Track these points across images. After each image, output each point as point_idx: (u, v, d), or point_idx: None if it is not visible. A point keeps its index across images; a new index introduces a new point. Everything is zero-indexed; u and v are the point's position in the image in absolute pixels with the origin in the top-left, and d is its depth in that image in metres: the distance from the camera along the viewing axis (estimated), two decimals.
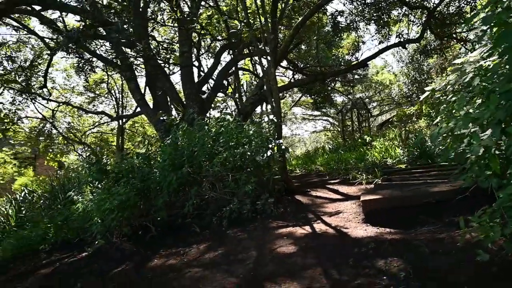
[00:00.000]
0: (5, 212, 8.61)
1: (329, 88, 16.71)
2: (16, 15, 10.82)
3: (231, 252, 3.76)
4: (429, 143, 7.90)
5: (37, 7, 9.74)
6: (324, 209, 5.10)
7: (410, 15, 11.66)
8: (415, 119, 10.52)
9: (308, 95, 19.85)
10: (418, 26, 11.91)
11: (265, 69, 7.59)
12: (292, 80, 16.31)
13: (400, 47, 11.98)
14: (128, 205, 5.19)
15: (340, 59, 15.50)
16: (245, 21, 7.58)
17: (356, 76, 19.23)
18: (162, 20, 10.28)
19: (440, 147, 3.41)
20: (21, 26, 12.30)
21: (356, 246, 3.25)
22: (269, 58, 7.04)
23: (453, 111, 2.88)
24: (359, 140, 12.31)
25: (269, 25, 7.68)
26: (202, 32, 10.86)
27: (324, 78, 12.02)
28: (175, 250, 4.30)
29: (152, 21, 10.12)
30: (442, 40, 11.70)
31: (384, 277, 2.56)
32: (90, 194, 6.34)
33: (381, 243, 3.21)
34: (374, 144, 9.96)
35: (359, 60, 13.29)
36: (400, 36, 10.88)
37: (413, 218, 3.92)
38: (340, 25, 11.88)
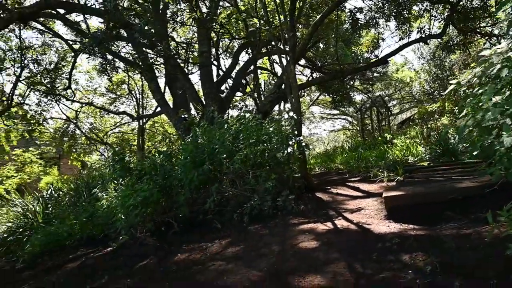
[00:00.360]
0: (33, 209, 8.92)
1: (348, 86, 16.53)
2: (41, 18, 11.17)
3: (253, 247, 3.79)
4: (453, 140, 7.73)
5: (62, 11, 10.06)
6: (345, 206, 5.07)
7: (431, 10, 11.40)
8: (438, 116, 10.29)
9: (326, 94, 19.70)
10: (439, 22, 11.65)
11: (284, 66, 7.60)
12: (310, 79, 16.22)
13: (421, 43, 11.74)
14: (151, 201, 5.30)
15: (359, 57, 15.31)
16: (264, 19, 7.60)
17: (375, 74, 18.95)
18: (181, 20, 10.42)
19: (466, 142, 3.35)
20: (46, 30, 12.70)
21: (380, 241, 3.23)
22: (288, 55, 7.04)
23: (480, 103, 2.83)
24: (379, 138, 12.14)
25: (288, 22, 7.68)
26: (221, 31, 10.95)
27: (343, 75, 11.91)
28: (198, 245, 4.37)
29: (172, 21, 10.28)
30: (465, 35, 11.39)
31: (410, 271, 2.54)
32: (114, 191, 6.50)
33: (406, 239, 3.17)
34: (395, 142, 9.80)
35: (379, 57, 13.06)
36: (422, 31, 10.65)
37: (438, 214, 3.85)
38: (359, 22, 11.73)
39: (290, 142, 5.59)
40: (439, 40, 12.76)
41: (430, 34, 10.70)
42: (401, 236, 3.25)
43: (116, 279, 3.91)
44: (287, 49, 7.08)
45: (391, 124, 18.48)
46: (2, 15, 9.67)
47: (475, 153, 2.84)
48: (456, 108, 9.01)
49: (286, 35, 7.28)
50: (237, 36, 12.18)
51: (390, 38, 42.80)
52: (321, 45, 15.66)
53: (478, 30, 11.42)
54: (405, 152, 8.54)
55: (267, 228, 4.44)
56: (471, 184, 4.20)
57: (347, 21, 12.73)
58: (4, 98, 15.03)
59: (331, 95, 17.22)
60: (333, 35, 13.69)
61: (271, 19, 9.25)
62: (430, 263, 2.58)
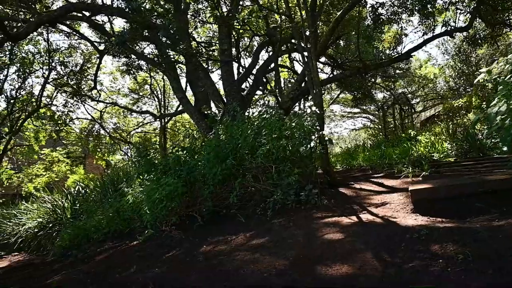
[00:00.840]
0: (62, 205, 9.24)
1: (369, 83, 16.28)
2: (68, 21, 11.55)
3: (277, 238, 3.80)
4: (480, 136, 7.49)
5: (87, 13, 10.37)
6: (369, 201, 5.01)
7: (457, 3, 11.08)
8: (464, 112, 9.98)
9: (347, 92, 19.46)
10: (465, 15, 11.31)
11: (306, 61, 7.57)
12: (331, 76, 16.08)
13: (446, 38, 11.43)
14: (176, 195, 5.39)
15: (381, 54, 15.04)
16: (286, 13, 7.60)
17: (397, 71, 18.58)
18: (203, 19, 10.55)
19: (496, 132, 3.26)
20: (73, 31, 13.10)
21: (407, 233, 3.17)
22: (310, 51, 7.02)
23: None
24: (403, 135, 11.89)
25: (309, 18, 7.66)
26: (242, 30, 11.02)
27: (365, 71, 11.74)
28: (223, 237, 4.42)
29: (194, 19, 10.41)
30: (493, 28, 11.01)
31: (440, 260, 2.49)
32: (139, 187, 6.65)
33: (434, 230, 3.11)
34: (420, 138, 9.59)
35: (402, 53, 12.80)
36: (447, 25, 10.36)
37: (467, 207, 3.75)
38: (381, 17, 11.53)
39: (313, 137, 5.58)
40: (464, 34, 12.40)
41: (455, 27, 10.40)
42: (429, 228, 3.19)
43: (144, 269, 4.01)
44: (308, 45, 7.06)
45: (414, 122, 18.08)
46: (31, 19, 10.08)
47: (508, 139, 2.76)
48: (484, 103, 8.73)
49: (308, 31, 7.26)
50: (258, 34, 12.20)
51: (413, 33, 41.70)
52: (341, 43, 15.51)
53: (507, 23, 11.02)
54: (430, 149, 8.34)
55: (291, 221, 4.44)
56: (502, 177, 4.07)
57: (368, 17, 12.55)
58: (33, 100, 15.66)
59: (352, 93, 17.01)
60: (353, 32, 13.53)
61: (293, 14, 9.23)
62: (461, 252, 2.52)
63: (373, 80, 16.44)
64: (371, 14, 11.67)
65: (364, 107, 23.99)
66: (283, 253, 3.31)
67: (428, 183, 4.42)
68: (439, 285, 2.22)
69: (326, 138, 5.64)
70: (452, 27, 10.41)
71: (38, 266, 6.67)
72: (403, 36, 15.78)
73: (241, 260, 3.32)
